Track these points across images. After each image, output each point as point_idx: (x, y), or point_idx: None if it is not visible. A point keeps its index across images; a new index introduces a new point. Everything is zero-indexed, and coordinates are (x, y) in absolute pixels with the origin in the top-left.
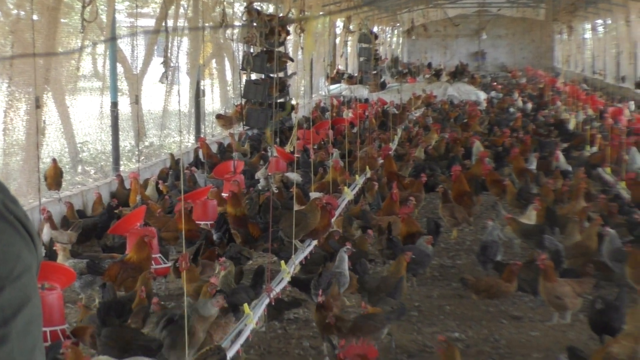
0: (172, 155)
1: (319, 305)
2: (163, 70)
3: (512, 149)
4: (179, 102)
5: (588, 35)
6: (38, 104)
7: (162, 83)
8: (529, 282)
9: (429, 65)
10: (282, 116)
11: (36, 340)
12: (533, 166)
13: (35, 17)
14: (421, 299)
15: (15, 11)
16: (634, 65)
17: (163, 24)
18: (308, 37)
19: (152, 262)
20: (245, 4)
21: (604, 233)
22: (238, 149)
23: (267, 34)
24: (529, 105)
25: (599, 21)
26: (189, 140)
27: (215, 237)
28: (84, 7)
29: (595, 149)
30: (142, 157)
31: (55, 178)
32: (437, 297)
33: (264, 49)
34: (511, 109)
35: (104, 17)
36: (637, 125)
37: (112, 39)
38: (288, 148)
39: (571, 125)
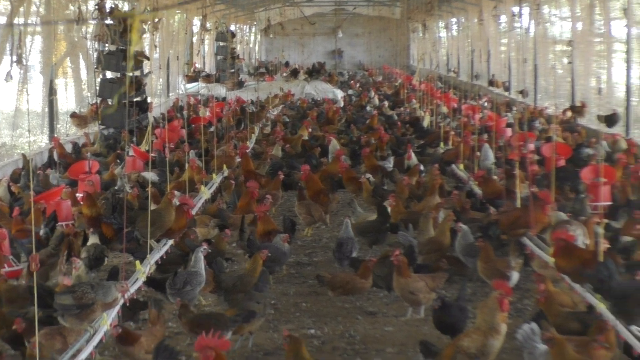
0: (24, 155)
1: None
2: (10, 68)
3: (363, 148)
4: (27, 100)
5: (443, 33)
6: None
7: (7, 82)
8: (384, 278)
9: (287, 63)
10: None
11: None
12: (391, 164)
13: None
14: (277, 296)
15: None
16: (487, 63)
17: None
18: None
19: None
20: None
21: (456, 229)
22: (90, 149)
23: (121, 32)
24: (386, 103)
25: (454, 20)
26: (43, 140)
27: (41, 233)
28: None
29: (449, 145)
30: None
31: None
32: (294, 294)
33: (119, 47)
34: (368, 107)
35: None
36: (489, 122)
37: None
38: (143, 147)
39: (425, 123)
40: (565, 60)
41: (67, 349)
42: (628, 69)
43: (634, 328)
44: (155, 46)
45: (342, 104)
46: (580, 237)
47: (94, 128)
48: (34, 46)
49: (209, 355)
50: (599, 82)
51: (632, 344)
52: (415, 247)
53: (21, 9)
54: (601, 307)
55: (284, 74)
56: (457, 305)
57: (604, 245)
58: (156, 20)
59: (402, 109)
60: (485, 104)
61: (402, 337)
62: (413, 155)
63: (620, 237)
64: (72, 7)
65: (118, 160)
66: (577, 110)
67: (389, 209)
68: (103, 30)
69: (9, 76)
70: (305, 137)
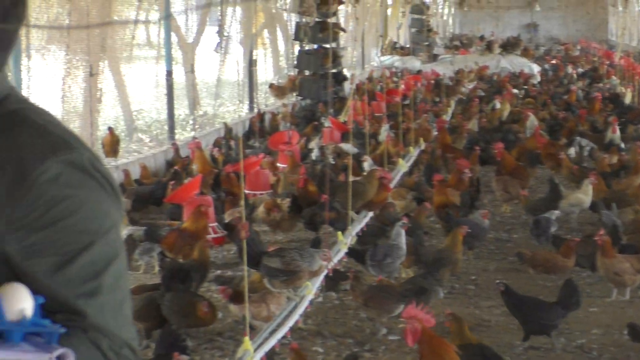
0: (226, 124)
1: None
2: (217, 39)
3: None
4: (238, 71)
5: None
6: (92, 72)
7: (217, 53)
8: (587, 257)
9: (481, 37)
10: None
11: (125, 294)
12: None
13: None
14: (477, 272)
15: None
16: None
17: None
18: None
19: (209, 230)
20: None
21: None
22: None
23: (319, 4)
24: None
25: None
26: (243, 110)
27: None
28: None
29: None
30: (197, 126)
31: (112, 146)
32: (494, 270)
33: (317, 19)
34: (566, 82)
35: None
36: None
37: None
38: (342, 118)
39: (627, 100)
40: None
41: (272, 317)
42: None
43: None
44: (357, 18)
45: (538, 79)
46: None
47: (292, 99)
48: (234, 17)
49: (415, 327)
50: None
51: None
52: (620, 227)
53: None
54: None
55: (479, 48)
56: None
57: None
58: None
59: (600, 84)
60: None
61: (607, 318)
62: (618, 130)
63: None
64: None
65: (315, 132)
66: None
67: (590, 187)
68: (309, 3)
69: (219, 47)
70: (506, 111)
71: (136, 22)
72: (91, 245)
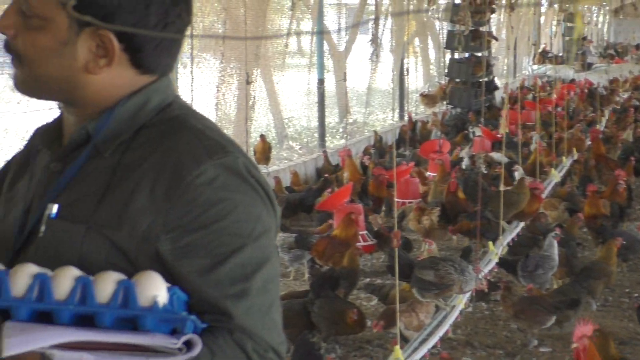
0: (376, 132)
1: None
2: (372, 48)
3: None
4: (392, 79)
5: None
6: (248, 80)
7: (372, 61)
8: None
9: (637, 45)
10: None
11: (274, 298)
12: None
13: None
14: (632, 285)
15: None
16: None
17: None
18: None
19: (359, 238)
20: None
21: None
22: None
23: (472, 13)
24: None
25: None
26: (393, 118)
27: None
28: None
29: None
30: (347, 134)
31: (264, 153)
32: None
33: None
34: None
35: None
36: None
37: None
38: (502, 130)
39: None
40: None
41: (422, 326)
42: None
43: None
44: (512, 27)
45: None
46: None
47: (442, 107)
48: (385, 26)
49: (585, 345)
50: None
51: None
52: None
53: None
54: None
55: (634, 56)
56: None
57: None
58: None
59: None
60: None
61: None
62: None
63: None
64: None
65: (465, 141)
66: None
67: None
68: (464, 12)
69: (373, 55)
70: None
71: (288, 34)
72: (242, 248)
